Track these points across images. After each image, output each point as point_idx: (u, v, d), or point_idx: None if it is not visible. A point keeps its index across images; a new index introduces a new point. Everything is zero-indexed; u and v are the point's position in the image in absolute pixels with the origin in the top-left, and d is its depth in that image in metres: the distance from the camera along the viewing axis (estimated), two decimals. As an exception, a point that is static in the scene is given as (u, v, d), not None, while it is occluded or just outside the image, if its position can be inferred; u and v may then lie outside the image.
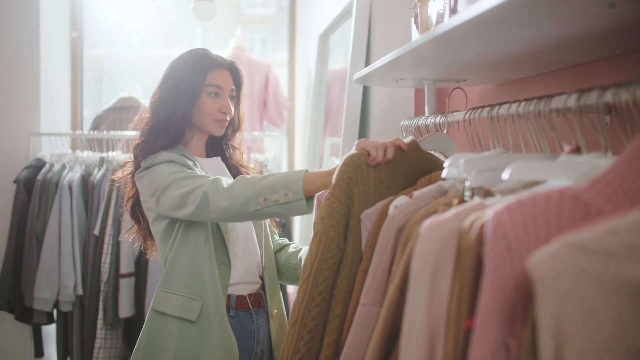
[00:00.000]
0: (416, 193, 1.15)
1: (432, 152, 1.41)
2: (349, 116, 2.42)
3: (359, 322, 1.12)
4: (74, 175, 3.19)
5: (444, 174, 1.11)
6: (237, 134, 1.87)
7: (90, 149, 3.47)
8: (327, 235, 1.26)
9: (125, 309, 3.10)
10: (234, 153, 1.87)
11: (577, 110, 0.92)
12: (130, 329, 3.20)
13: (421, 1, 1.45)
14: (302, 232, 3.43)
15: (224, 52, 4.04)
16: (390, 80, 1.70)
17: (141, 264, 3.12)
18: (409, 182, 1.30)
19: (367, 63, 2.41)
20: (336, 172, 1.30)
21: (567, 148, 1.00)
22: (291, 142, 4.53)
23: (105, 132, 3.45)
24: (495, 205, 0.75)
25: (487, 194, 0.97)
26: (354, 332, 1.12)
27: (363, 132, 2.45)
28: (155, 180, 1.64)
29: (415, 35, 1.55)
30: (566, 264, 0.61)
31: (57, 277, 3.08)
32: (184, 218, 1.61)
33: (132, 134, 1.82)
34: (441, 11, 1.35)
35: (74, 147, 3.83)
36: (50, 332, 3.44)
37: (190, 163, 1.68)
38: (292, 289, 3.47)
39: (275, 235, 1.93)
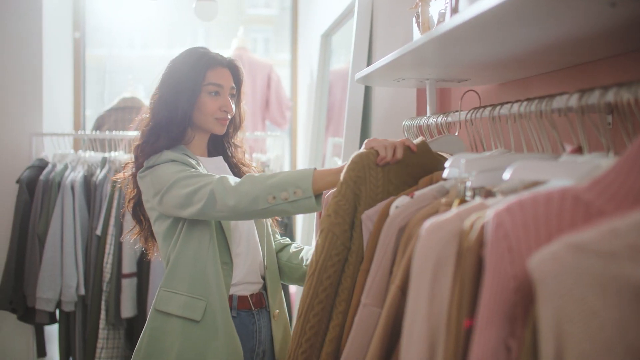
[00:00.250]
0: (417, 193, 1.15)
1: (442, 153, 1.40)
2: (350, 116, 2.41)
3: (360, 323, 1.12)
4: (76, 175, 3.20)
5: (445, 174, 1.10)
6: (238, 131, 1.86)
7: (93, 149, 3.48)
8: (332, 233, 1.26)
9: (128, 309, 3.10)
10: (235, 151, 1.87)
11: (578, 110, 0.92)
12: (132, 329, 3.20)
13: (422, 1, 1.45)
14: (304, 232, 3.43)
15: (227, 52, 4.04)
16: (391, 80, 1.70)
17: (143, 264, 3.12)
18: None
19: (369, 63, 2.41)
20: (344, 170, 1.30)
21: (568, 148, 1.00)
22: (293, 142, 4.53)
23: (107, 132, 3.45)
24: (496, 206, 0.75)
25: (489, 194, 0.96)
26: (355, 333, 1.12)
27: (365, 132, 2.45)
28: (159, 179, 1.63)
29: (416, 35, 1.55)
30: (567, 265, 0.60)
31: (59, 277, 3.09)
32: (189, 217, 1.61)
33: (134, 134, 1.82)
34: (442, 11, 1.35)
35: (76, 147, 3.84)
36: (52, 332, 3.44)
37: (193, 162, 1.68)
38: (294, 289, 3.48)
39: (276, 235, 1.93)
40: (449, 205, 1.01)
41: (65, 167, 3.25)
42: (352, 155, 1.33)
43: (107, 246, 3.10)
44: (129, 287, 3.11)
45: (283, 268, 1.84)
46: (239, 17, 4.97)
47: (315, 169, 1.50)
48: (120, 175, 1.83)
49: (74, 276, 3.10)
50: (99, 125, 3.75)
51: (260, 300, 1.75)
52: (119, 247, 3.10)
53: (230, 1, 4.93)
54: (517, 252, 0.70)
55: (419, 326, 0.85)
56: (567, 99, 0.94)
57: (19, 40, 3.43)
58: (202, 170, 1.68)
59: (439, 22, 1.37)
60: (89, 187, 3.21)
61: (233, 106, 1.77)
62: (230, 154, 1.87)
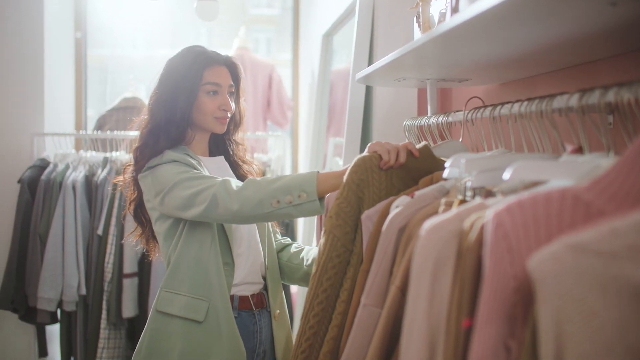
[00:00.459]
0: (418, 193, 1.14)
1: (445, 159, 1.40)
2: (351, 116, 2.41)
3: (360, 323, 1.12)
4: (77, 175, 3.20)
5: (445, 173, 1.10)
6: (239, 129, 1.85)
7: (94, 149, 3.48)
8: (333, 235, 1.27)
9: (129, 309, 3.10)
10: (237, 149, 1.87)
11: (579, 110, 0.91)
12: (133, 329, 3.20)
13: (423, 1, 1.45)
14: (305, 232, 3.43)
15: (228, 52, 4.04)
16: (392, 80, 1.70)
17: (144, 264, 3.12)
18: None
19: (370, 63, 2.40)
20: (347, 173, 1.32)
21: (569, 148, 0.99)
22: (295, 142, 4.53)
23: (108, 132, 3.45)
24: (495, 206, 0.74)
25: (489, 194, 0.96)
26: (355, 333, 1.12)
27: (366, 132, 2.45)
28: (160, 180, 1.63)
29: (417, 35, 1.55)
30: (567, 265, 0.60)
31: (60, 277, 3.09)
32: (191, 219, 1.60)
33: (135, 134, 1.81)
34: (443, 10, 1.34)
35: (77, 147, 3.84)
36: (54, 331, 3.45)
37: (194, 162, 1.67)
38: (295, 289, 3.47)
39: (277, 235, 1.92)
40: (449, 205, 1.01)
41: (67, 167, 3.25)
42: (355, 159, 1.34)
43: (109, 246, 3.10)
44: (130, 287, 3.11)
45: (284, 268, 1.84)
46: (241, 17, 4.97)
47: (318, 172, 1.51)
48: (120, 177, 1.82)
49: (75, 276, 3.10)
50: (100, 125, 3.76)
51: (261, 301, 1.75)
52: (120, 247, 3.10)
53: (232, 1, 4.93)
54: (516, 252, 0.70)
55: (419, 326, 0.84)
56: (567, 99, 0.94)
57: (21, 40, 3.43)
58: (203, 170, 1.68)
59: (439, 21, 1.37)
60: (90, 187, 3.21)
61: (232, 104, 1.76)
62: (231, 152, 1.86)
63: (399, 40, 2.15)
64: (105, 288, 3.10)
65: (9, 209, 3.28)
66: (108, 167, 3.25)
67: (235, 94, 1.80)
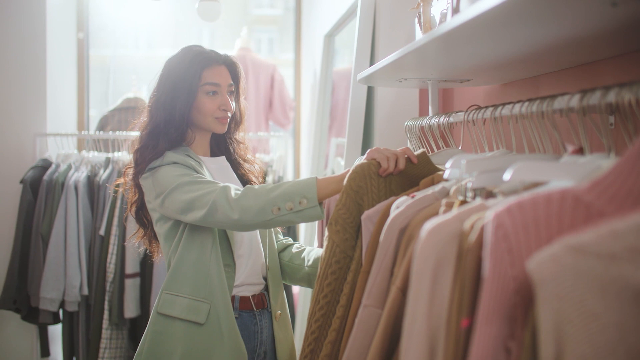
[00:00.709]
0: (418, 194, 1.14)
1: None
2: (353, 117, 2.41)
3: (361, 324, 1.11)
4: (79, 175, 3.20)
5: (446, 174, 1.10)
6: (239, 127, 1.85)
7: (96, 150, 3.48)
8: (332, 240, 1.30)
9: (131, 309, 3.10)
10: (238, 148, 1.86)
11: (580, 110, 0.91)
12: (135, 329, 3.20)
13: (424, 1, 1.44)
14: (307, 232, 3.43)
15: (230, 52, 4.04)
16: (394, 81, 1.70)
17: (146, 264, 3.12)
18: None
19: (371, 63, 2.40)
20: (345, 180, 1.34)
21: (570, 148, 0.99)
22: (297, 143, 4.53)
23: (111, 132, 3.46)
24: (495, 207, 0.74)
25: (490, 195, 0.96)
26: (356, 334, 1.12)
27: (367, 132, 2.44)
28: (160, 182, 1.63)
29: (418, 35, 1.55)
30: (566, 266, 0.60)
31: (63, 277, 3.09)
32: (191, 222, 1.61)
33: (137, 134, 1.80)
34: (444, 11, 1.34)
35: (80, 147, 3.84)
36: (56, 332, 3.45)
37: (194, 163, 1.67)
38: (296, 290, 3.47)
39: (279, 235, 1.92)
40: (449, 206, 1.00)
41: (69, 168, 3.26)
42: (353, 166, 1.36)
43: (111, 246, 3.10)
44: (132, 287, 3.11)
45: (285, 268, 1.84)
46: (244, 17, 4.98)
47: (317, 177, 1.52)
48: (121, 180, 1.82)
49: (77, 276, 3.10)
50: (102, 125, 3.76)
51: (261, 301, 1.75)
52: (122, 247, 3.10)
53: (235, 1, 4.93)
54: (517, 253, 0.70)
55: (419, 327, 0.84)
56: (568, 100, 0.93)
57: (23, 41, 3.44)
58: (204, 172, 1.68)
59: (440, 22, 1.37)
60: (93, 187, 3.21)
61: (233, 103, 1.76)
62: (232, 151, 1.86)
63: (401, 40, 2.15)
64: (108, 288, 3.10)
65: (12, 209, 3.29)
66: (110, 167, 3.25)
67: (235, 93, 1.79)
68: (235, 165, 1.85)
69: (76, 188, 3.14)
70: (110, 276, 3.10)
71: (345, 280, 1.27)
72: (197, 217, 1.55)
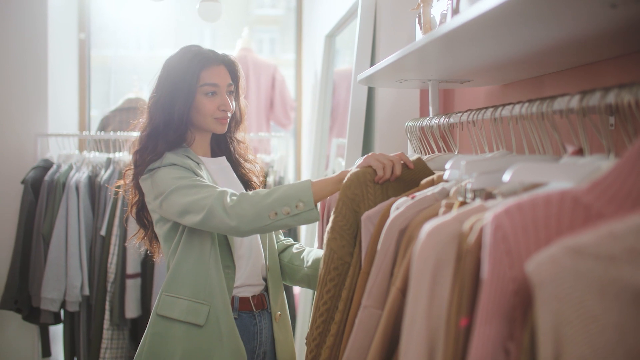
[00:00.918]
0: (418, 195, 1.14)
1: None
2: (353, 117, 2.41)
3: (361, 325, 1.12)
4: (81, 175, 3.20)
5: (446, 175, 1.10)
6: (239, 126, 1.84)
7: (98, 150, 3.48)
8: (330, 248, 1.32)
9: (132, 310, 3.10)
10: (238, 147, 1.86)
11: (580, 111, 0.91)
12: (136, 329, 3.21)
13: (424, 2, 1.45)
14: (308, 233, 3.43)
15: (232, 52, 4.04)
16: (394, 81, 1.70)
17: (147, 264, 3.12)
18: None
19: (372, 64, 2.40)
20: (341, 188, 1.36)
21: (570, 149, 0.99)
22: (298, 143, 4.53)
23: (112, 133, 3.46)
24: (494, 208, 0.74)
25: (489, 196, 0.96)
26: (356, 334, 1.12)
27: (368, 133, 2.44)
28: (159, 183, 1.62)
29: (419, 36, 1.55)
30: (565, 268, 0.60)
31: (64, 277, 3.10)
32: (189, 226, 1.61)
33: (138, 135, 1.80)
34: (444, 12, 1.34)
35: (81, 148, 3.84)
36: (57, 332, 3.45)
37: (194, 165, 1.66)
38: (297, 290, 3.47)
39: (280, 235, 1.92)
40: (449, 207, 1.00)
41: (70, 168, 3.26)
42: (348, 174, 1.39)
43: (112, 247, 3.10)
44: (133, 287, 3.12)
45: (285, 269, 1.83)
46: (245, 17, 4.98)
47: (310, 180, 1.53)
48: (121, 182, 1.82)
49: (79, 276, 3.11)
50: (103, 126, 3.76)
51: (261, 302, 1.74)
52: (123, 247, 3.10)
53: (236, 2, 4.93)
54: (515, 254, 0.70)
55: (419, 328, 0.84)
56: (568, 101, 0.93)
57: (24, 42, 3.44)
58: (203, 173, 1.67)
59: (440, 23, 1.37)
60: (94, 187, 3.22)
61: (233, 103, 1.75)
62: (233, 150, 1.85)
63: (401, 41, 2.15)
64: (109, 289, 3.11)
65: (13, 210, 3.29)
66: (111, 167, 3.26)
67: (235, 92, 1.78)
68: (236, 165, 1.85)
69: (77, 188, 3.15)
70: (111, 276, 3.10)
71: (343, 286, 1.29)
72: (194, 222, 1.56)
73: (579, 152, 0.97)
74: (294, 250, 1.85)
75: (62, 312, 3.23)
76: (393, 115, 2.24)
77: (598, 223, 0.65)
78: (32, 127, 3.43)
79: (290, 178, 3.78)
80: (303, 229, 3.65)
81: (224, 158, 1.84)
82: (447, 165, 1.09)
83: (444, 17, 1.36)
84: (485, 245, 0.72)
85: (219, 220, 1.52)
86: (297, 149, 4.52)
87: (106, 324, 3.10)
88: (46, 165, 3.29)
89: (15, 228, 3.21)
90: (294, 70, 4.57)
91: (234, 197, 1.53)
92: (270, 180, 3.29)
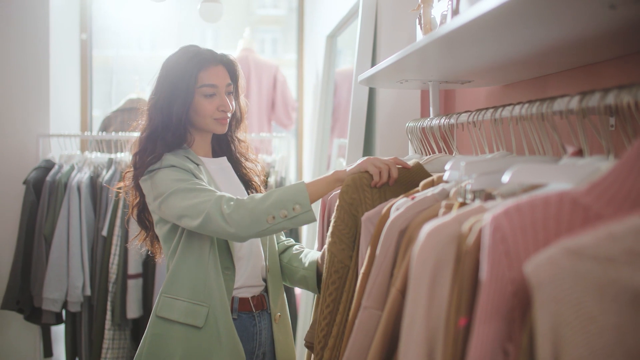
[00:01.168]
0: (418, 195, 1.14)
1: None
2: (354, 117, 2.41)
3: (361, 325, 1.12)
4: (82, 176, 3.21)
5: (445, 176, 1.10)
6: (240, 126, 1.84)
7: (99, 150, 3.49)
8: (331, 252, 1.35)
9: (133, 310, 3.11)
10: (239, 146, 1.86)
11: (579, 112, 0.91)
12: (138, 329, 3.21)
13: (425, 3, 1.45)
14: (310, 233, 3.43)
15: (233, 53, 4.05)
16: (395, 82, 1.70)
17: (149, 265, 3.13)
18: None
19: (373, 64, 2.40)
20: (339, 194, 1.38)
21: (569, 150, 0.99)
22: (299, 143, 4.53)
23: (113, 133, 3.46)
24: (493, 209, 0.74)
25: (489, 197, 0.96)
26: (356, 335, 1.12)
27: (369, 133, 2.44)
28: (158, 185, 1.62)
29: (419, 36, 1.55)
30: (564, 269, 0.60)
31: (65, 277, 3.10)
32: (188, 229, 1.61)
33: (138, 136, 1.80)
34: (445, 12, 1.34)
35: (83, 148, 3.85)
36: (59, 332, 3.46)
37: (193, 167, 1.65)
38: (299, 291, 3.47)
39: (281, 236, 1.92)
40: (449, 208, 1.00)
41: (72, 168, 3.27)
42: (345, 180, 1.41)
43: (113, 247, 3.11)
44: (134, 287, 3.12)
45: (284, 270, 1.83)
46: (247, 17, 4.98)
47: (304, 182, 1.54)
48: (121, 184, 1.82)
49: (80, 277, 3.11)
50: (105, 126, 3.77)
51: (261, 303, 1.74)
52: (124, 248, 3.11)
53: (238, 2, 4.94)
54: (514, 255, 0.70)
55: (418, 329, 0.84)
56: (568, 102, 0.93)
57: (26, 42, 3.44)
58: (203, 174, 1.67)
59: (441, 23, 1.37)
60: (95, 188, 3.22)
61: (232, 103, 1.74)
62: (233, 149, 1.85)
63: (402, 42, 2.15)
64: (110, 289, 3.11)
65: (15, 210, 3.30)
66: (113, 168, 3.26)
67: (235, 92, 1.78)
68: (237, 164, 1.85)
69: (79, 189, 3.15)
70: (112, 277, 3.11)
71: (343, 289, 1.30)
72: (192, 226, 1.56)
73: (579, 153, 0.97)
74: (294, 251, 1.84)
75: (63, 312, 3.24)
76: (394, 116, 2.24)
77: (597, 224, 0.65)
78: (33, 128, 3.44)
79: (291, 178, 3.78)
80: (304, 229, 3.65)
81: (224, 158, 1.83)
82: (447, 167, 1.09)
83: (444, 17, 1.36)
84: (484, 246, 0.72)
85: (217, 226, 1.52)
86: (299, 149, 4.52)
87: (108, 324, 3.11)
88: (48, 166, 3.30)
89: (17, 228, 3.21)
90: (296, 70, 4.57)
91: (231, 203, 1.53)
92: (272, 180, 3.29)
